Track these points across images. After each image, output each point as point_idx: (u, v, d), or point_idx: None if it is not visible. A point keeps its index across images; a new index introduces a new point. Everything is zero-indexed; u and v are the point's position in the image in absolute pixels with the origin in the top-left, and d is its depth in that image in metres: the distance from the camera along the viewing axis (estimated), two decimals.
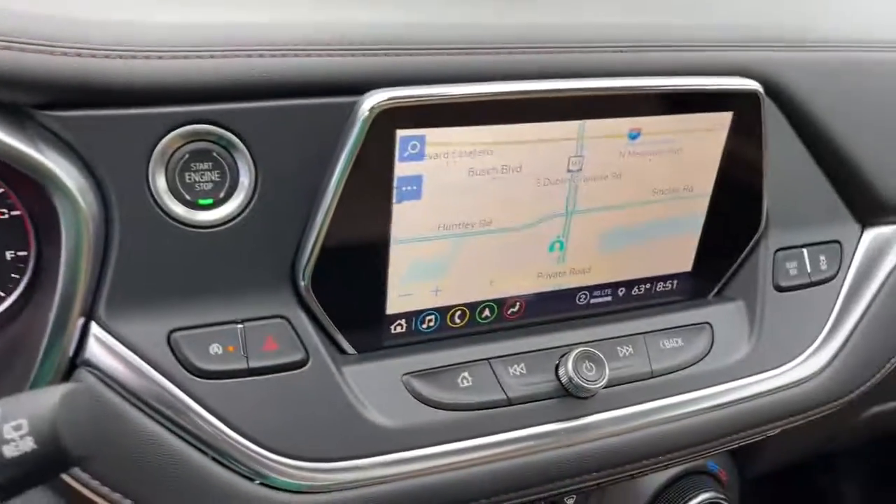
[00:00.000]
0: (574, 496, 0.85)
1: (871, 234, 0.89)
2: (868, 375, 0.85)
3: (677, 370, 0.76)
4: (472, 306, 0.71)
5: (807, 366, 0.81)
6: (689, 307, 0.81)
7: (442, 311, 0.70)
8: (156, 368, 0.58)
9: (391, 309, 0.68)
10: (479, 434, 0.67)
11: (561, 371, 0.71)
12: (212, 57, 0.57)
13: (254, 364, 0.60)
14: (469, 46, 0.64)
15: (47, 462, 0.38)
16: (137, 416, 0.57)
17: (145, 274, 0.58)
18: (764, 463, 1.04)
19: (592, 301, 0.77)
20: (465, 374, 0.69)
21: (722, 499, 0.91)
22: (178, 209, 0.58)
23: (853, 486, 1.85)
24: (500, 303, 0.73)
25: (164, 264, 0.59)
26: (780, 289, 0.82)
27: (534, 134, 0.65)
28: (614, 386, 0.72)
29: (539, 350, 0.72)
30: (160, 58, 0.55)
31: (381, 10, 0.66)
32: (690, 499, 0.88)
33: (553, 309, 0.75)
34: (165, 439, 0.58)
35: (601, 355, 0.70)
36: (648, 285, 0.79)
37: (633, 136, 0.69)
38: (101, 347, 0.57)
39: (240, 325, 0.61)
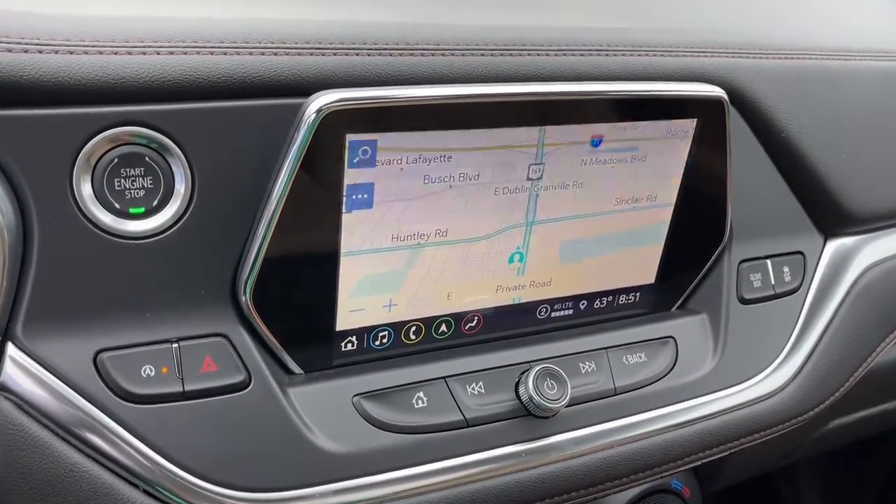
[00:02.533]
0: None
1: (834, 245, 0.87)
2: (832, 389, 0.84)
3: (641, 387, 0.73)
4: (428, 322, 0.67)
5: (771, 380, 0.79)
6: (652, 320, 0.78)
7: (396, 327, 0.66)
8: (80, 393, 0.53)
9: (341, 325, 0.64)
10: (435, 458, 0.63)
11: (521, 390, 0.67)
12: (143, 53, 0.52)
13: (190, 387, 0.56)
14: (424, 47, 0.60)
15: None
16: (59, 445, 0.52)
17: (68, 289, 0.53)
18: (726, 478, 1.02)
19: (553, 315, 0.73)
20: (420, 394, 0.65)
21: None
22: (106, 218, 0.53)
23: (812, 493, 1.87)
24: (458, 318, 0.69)
25: (90, 279, 0.54)
26: (744, 301, 0.80)
27: (492, 140, 0.61)
28: (576, 404, 0.69)
29: (498, 367, 0.68)
30: (85, 52, 0.50)
31: (330, 7, 0.62)
32: None
33: (513, 323, 0.72)
34: (90, 470, 0.53)
35: (563, 373, 0.67)
36: (611, 298, 0.77)
37: (595, 143, 0.66)
38: (19, 370, 0.52)
39: (174, 345, 0.56)
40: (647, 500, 0.87)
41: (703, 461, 0.78)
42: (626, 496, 0.86)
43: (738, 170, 0.76)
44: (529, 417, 0.67)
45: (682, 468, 0.76)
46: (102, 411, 0.53)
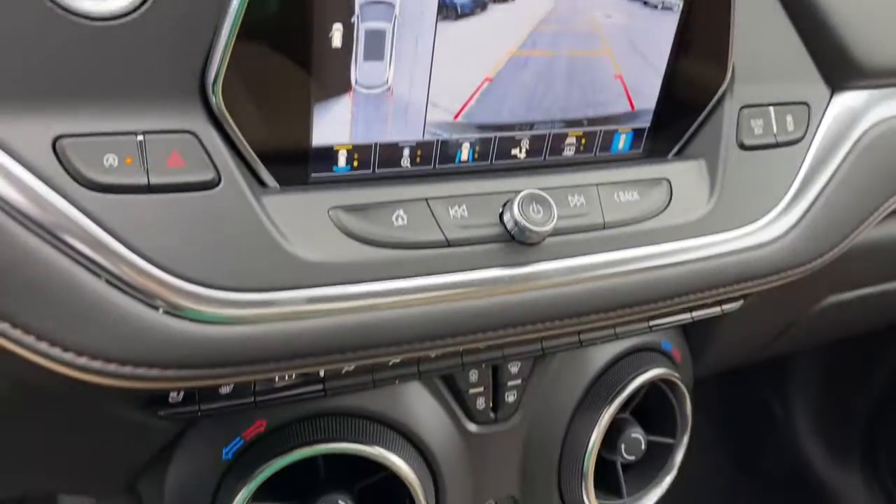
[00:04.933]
0: (518, 363, 0.80)
1: (840, 100, 0.84)
2: (832, 243, 0.81)
3: (632, 223, 0.70)
4: (411, 146, 0.64)
5: (770, 229, 0.76)
6: (646, 163, 0.75)
7: (377, 148, 0.63)
8: (38, 176, 0.50)
9: (317, 139, 0.61)
10: (413, 274, 0.61)
11: (506, 217, 0.64)
12: None
13: (155, 180, 0.53)
14: None
15: None
16: (14, 227, 0.49)
17: (24, 68, 0.50)
18: (718, 351, 1.00)
19: (544, 151, 0.70)
20: (400, 211, 0.62)
21: (675, 376, 0.87)
22: None
23: (803, 416, 1.88)
24: (442, 144, 0.66)
25: (48, 59, 0.50)
26: (744, 147, 0.76)
27: None
28: (563, 234, 0.67)
29: (483, 194, 0.66)
30: None
31: None
32: (641, 373, 0.83)
33: (502, 155, 0.69)
34: (49, 256, 0.50)
35: (549, 199, 0.64)
36: (605, 140, 0.73)
37: None
38: None
39: (139, 137, 0.53)
40: (634, 355, 0.85)
41: (695, 308, 0.77)
42: (613, 351, 0.84)
43: (744, 7, 0.72)
44: (514, 243, 0.65)
45: (673, 310, 0.74)
46: (63, 197, 0.51)
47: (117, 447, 0.69)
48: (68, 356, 0.51)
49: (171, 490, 0.73)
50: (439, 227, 0.63)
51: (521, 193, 0.64)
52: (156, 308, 0.53)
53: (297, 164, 0.61)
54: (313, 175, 0.62)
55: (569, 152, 0.72)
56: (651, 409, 0.91)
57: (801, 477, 1.91)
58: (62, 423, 0.65)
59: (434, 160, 0.67)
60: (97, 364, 0.51)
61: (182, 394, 0.63)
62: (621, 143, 0.75)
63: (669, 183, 0.74)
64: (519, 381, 0.81)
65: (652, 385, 0.88)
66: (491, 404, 0.80)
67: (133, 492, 0.82)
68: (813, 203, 0.79)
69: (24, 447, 0.68)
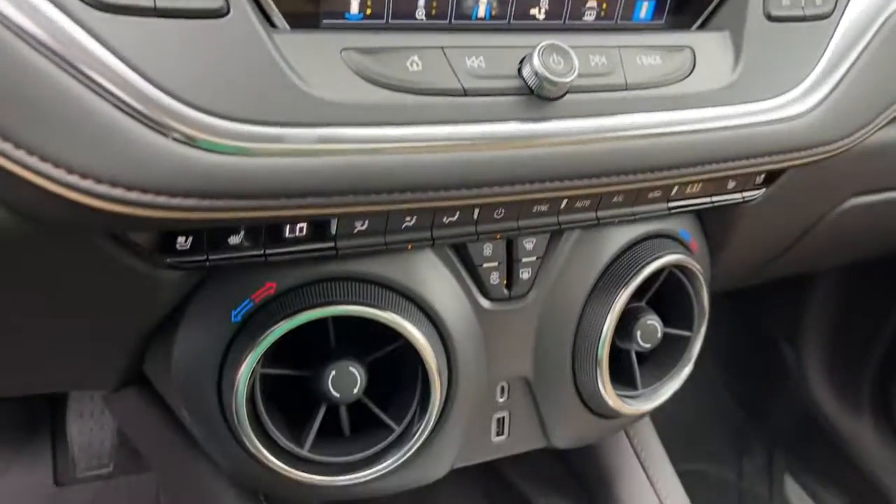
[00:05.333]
0: (533, 239, 0.78)
1: None
2: (859, 124, 0.78)
3: (654, 87, 0.68)
4: None
5: (797, 104, 0.74)
6: (669, 32, 0.72)
7: None
8: None
9: None
10: (427, 121, 0.59)
11: (525, 70, 0.62)
12: None
13: (162, 3, 0.51)
14: None
15: None
16: (17, 45, 0.48)
17: None
18: (734, 254, 0.97)
19: (565, 14, 0.68)
20: (415, 57, 0.60)
21: (693, 264, 0.85)
22: None
23: (815, 360, 1.86)
24: None
25: None
26: (770, 18, 0.73)
27: None
28: (584, 92, 0.64)
29: (502, 47, 0.63)
30: None
31: None
32: (658, 258, 0.81)
33: (520, 15, 0.67)
34: (53, 75, 0.48)
35: (570, 51, 0.62)
36: (626, 9, 0.71)
37: None
38: None
39: None
40: (652, 240, 0.83)
41: (715, 193, 0.74)
42: (631, 233, 0.82)
43: None
44: (532, 97, 0.62)
45: (693, 190, 0.72)
46: (66, 15, 0.48)
47: (123, 306, 0.67)
48: (72, 178, 0.49)
49: (178, 360, 0.72)
50: (455, 75, 0.60)
51: (542, 44, 0.62)
52: (165, 135, 0.51)
53: (308, 6, 0.59)
54: (325, 21, 0.60)
55: (589, 17, 0.70)
56: (668, 302, 0.89)
57: (810, 420, 1.90)
58: (65, 278, 0.63)
59: (450, 14, 0.64)
60: (102, 188, 0.50)
61: (190, 241, 0.62)
62: (643, 11, 0.72)
63: (693, 51, 0.71)
64: (534, 258, 0.79)
65: (668, 276, 0.86)
66: (505, 280, 0.78)
67: (140, 382, 0.82)
68: (840, 80, 0.76)
69: (25, 315, 0.67)
